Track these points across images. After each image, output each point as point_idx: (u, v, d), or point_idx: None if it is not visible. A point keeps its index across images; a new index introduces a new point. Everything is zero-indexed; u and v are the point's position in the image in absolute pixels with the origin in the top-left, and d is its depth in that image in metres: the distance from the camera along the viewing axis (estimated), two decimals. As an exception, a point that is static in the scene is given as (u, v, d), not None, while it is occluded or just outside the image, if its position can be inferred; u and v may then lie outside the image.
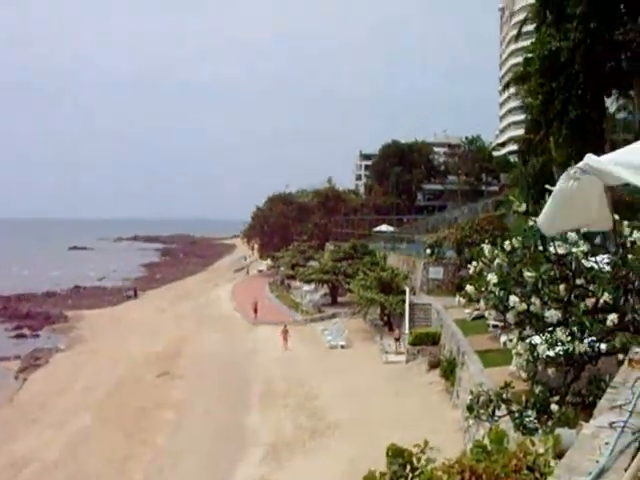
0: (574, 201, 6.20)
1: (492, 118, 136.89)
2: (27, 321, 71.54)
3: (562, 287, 8.26)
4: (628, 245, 8.37)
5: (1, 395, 44.21)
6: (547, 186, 6.68)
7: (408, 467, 6.22)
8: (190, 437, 31.77)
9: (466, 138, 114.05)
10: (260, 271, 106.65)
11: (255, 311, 61.12)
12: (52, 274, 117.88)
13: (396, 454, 6.25)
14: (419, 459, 6.23)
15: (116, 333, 61.52)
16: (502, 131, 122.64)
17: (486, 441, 6.81)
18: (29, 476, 28.85)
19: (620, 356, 7.69)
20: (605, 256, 8.49)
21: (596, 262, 8.28)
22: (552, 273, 8.30)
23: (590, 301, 8.25)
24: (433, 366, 36.07)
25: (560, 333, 8.17)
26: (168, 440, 31.71)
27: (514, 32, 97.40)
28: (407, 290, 47.05)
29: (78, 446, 31.97)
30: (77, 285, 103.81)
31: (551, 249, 8.22)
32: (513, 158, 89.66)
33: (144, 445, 31.31)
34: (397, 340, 43.40)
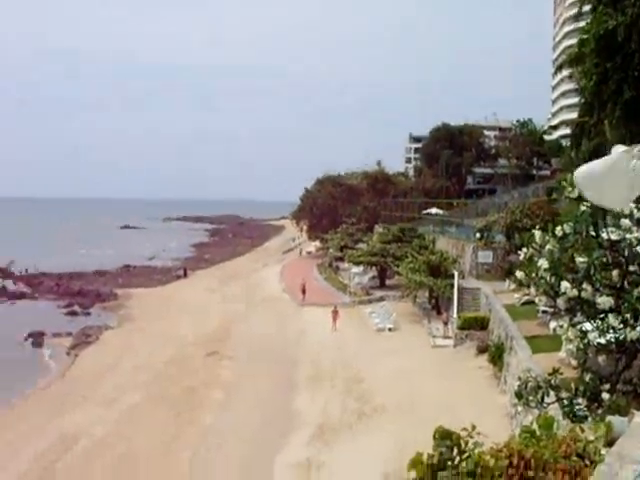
0: (626, 179, 6.14)
1: (544, 102, 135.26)
2: (78, 299, 72.73)
3: (615, 273, 8.16)
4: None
5: (53, 370, 45.12)
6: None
7: (455, 450, 6.22)
8: (238, 417, 32.08)
9: (517, 121, 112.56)
10: (309, 252, 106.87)
11: (303, 292, 61.27)
12: (103, 253, 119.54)
13: (444, 436, 6.24)
14: (467, 442, 6.22)
15: (165, 312, 62.24)
16: (554, 114, 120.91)
17: (535, 426, 6.79)
18: (79, 452, 29.36)
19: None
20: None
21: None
22: (604, 259, 8.20)
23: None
24: (481, 351, 35.93)
25: (612, 320, 8.08)
26: (216, 419, 32.05)
27: (568, 13, 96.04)
28: (456, 274, 46.85)
29: (127, 424, 32.48)
30: (127, 264, 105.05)
31: (604, 235, 8.12)
32: (565, 142, 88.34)
33: (192, 424, 31.69)
34: (445, 324, 43.26)
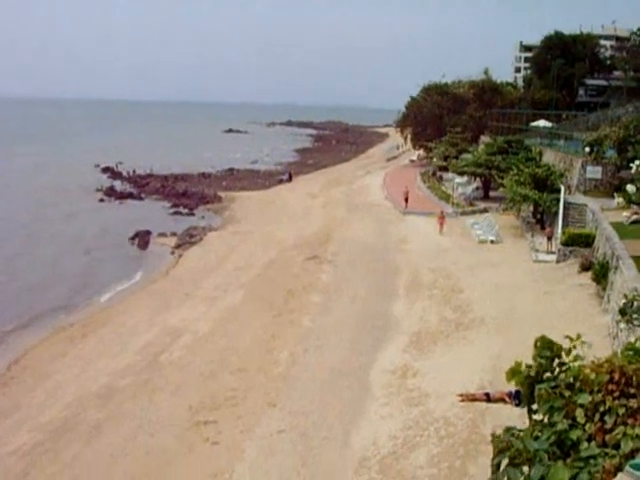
0: None
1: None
2: (183, 200, 74.26)
3: None
4: None
5: (159, 268, 46.57)
6: None
7: (556, 361, 6.16)
8: (336, 321, 32.55)
9: (638, 30, 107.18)
10: (412, 161, 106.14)
11: (406, 200, 60.96)
12: (207, 155, 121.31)
13: (545, 346, 6.18)
14: (568, 353, 6.15)
15: (267, 216, 63.11)
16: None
17: (639, 344, 6.66)
18: (182, 345, 30.45)
19: None
20: None
21: None
22: None
23: None
24: (585, 268, 35.20)
25: None
26: (314, 322, 32.57)
27: None
28: (562, 189, 45.74)
29: (228, 322, 33.42)
30: (231, 167, 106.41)
31: None
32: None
33: (291, 325, 32.33)
34: (549, 239, 42.46)
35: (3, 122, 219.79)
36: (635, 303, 8.91)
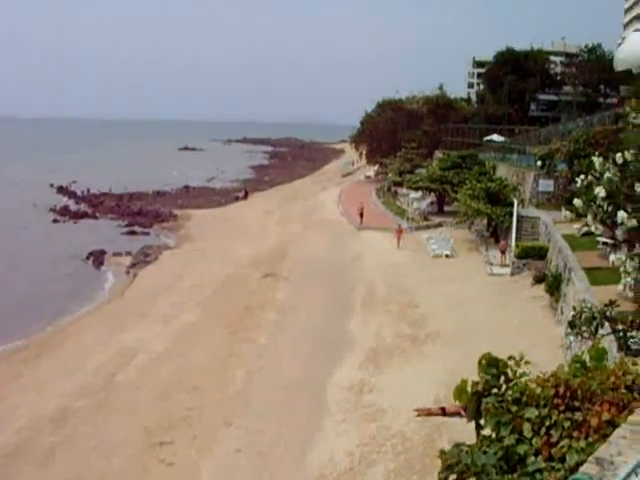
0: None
1: (615, 25, 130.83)
2: (138, 219, 73.73)
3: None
4: None
5: (113, 288, 46.12)
6: None
7: (502, 378, 6.18)
8: (292, 338, 32.49)
9: (585, 46, 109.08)
10: (367, 177, 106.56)
11: (361, 216, 61.18)
12: (162, 174, 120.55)
13: (490, 363, 6.21)
14: (514, 371, 6.18)
15: (223, 233, 62.88)
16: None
17: (585, 357, 6.71)
18: (138, 365, 30.15)
19: None
20: None
21: None
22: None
23: None
24: (538, 280, 35.57)
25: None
26: (270, 340, 32.49)
27: None
28: (515, 202, 46.23)
29: (184, 341, 33.16)
30: (187, 185, 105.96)
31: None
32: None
33: (247, 343, 32.20)
34: (503, 252, 42.86)
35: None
36: (584, 315, 9.02)
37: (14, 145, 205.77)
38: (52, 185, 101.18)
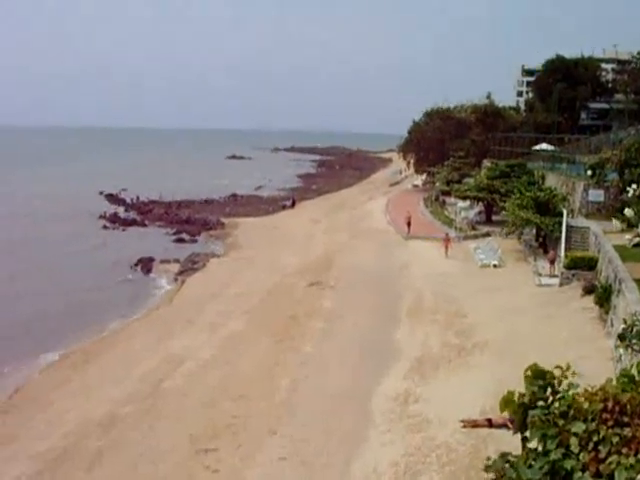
0: None
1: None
2: (186, 226, 74.37)
3: None
4: None
5: (162, 295, 46.54)
6: None
7: (549, 390, 6.07)
8: (338, 347, 32.43)
9: (638, 53, 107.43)
10: (415, 186, 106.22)
11: (408, 225, 60.92)
12: (210, 182, 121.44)
13: (537, 375, 6.11)
14: (560, 382, 6.06)
15: (270, 241, 63.12)
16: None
17: (634, 371, 6.56)
18: (185, 372, 30.34)
19: None
20: None
21: None
22: None
23: None
24: (588, 291, 35.02)
25: None
26: (316, 348, 32.46)
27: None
28: (565, 212, 45.67)
29: (230, 348, 33.31)
30: (234, 193, 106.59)
31: None
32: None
33: (293, 352, 32.20)
34: (552, 263, 42.33)
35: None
36: (635, 328, 8.79)
37: (61, 151, 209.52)
38: (101, 192, 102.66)
